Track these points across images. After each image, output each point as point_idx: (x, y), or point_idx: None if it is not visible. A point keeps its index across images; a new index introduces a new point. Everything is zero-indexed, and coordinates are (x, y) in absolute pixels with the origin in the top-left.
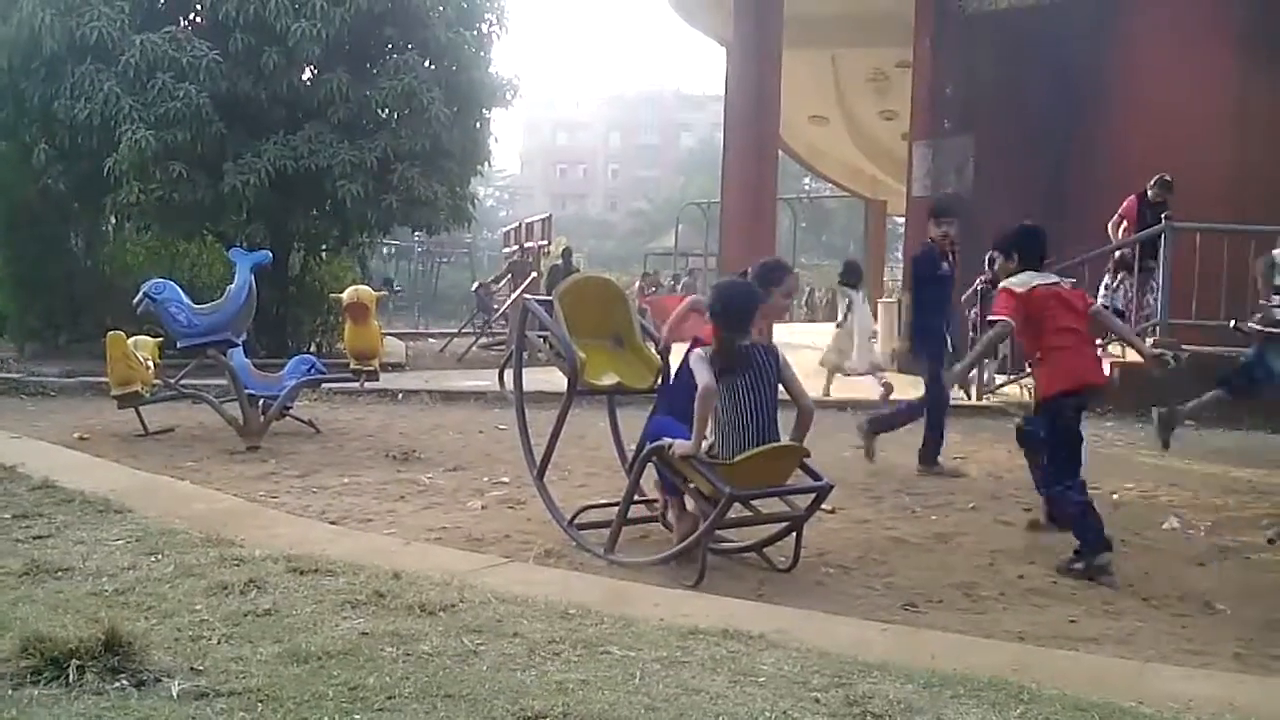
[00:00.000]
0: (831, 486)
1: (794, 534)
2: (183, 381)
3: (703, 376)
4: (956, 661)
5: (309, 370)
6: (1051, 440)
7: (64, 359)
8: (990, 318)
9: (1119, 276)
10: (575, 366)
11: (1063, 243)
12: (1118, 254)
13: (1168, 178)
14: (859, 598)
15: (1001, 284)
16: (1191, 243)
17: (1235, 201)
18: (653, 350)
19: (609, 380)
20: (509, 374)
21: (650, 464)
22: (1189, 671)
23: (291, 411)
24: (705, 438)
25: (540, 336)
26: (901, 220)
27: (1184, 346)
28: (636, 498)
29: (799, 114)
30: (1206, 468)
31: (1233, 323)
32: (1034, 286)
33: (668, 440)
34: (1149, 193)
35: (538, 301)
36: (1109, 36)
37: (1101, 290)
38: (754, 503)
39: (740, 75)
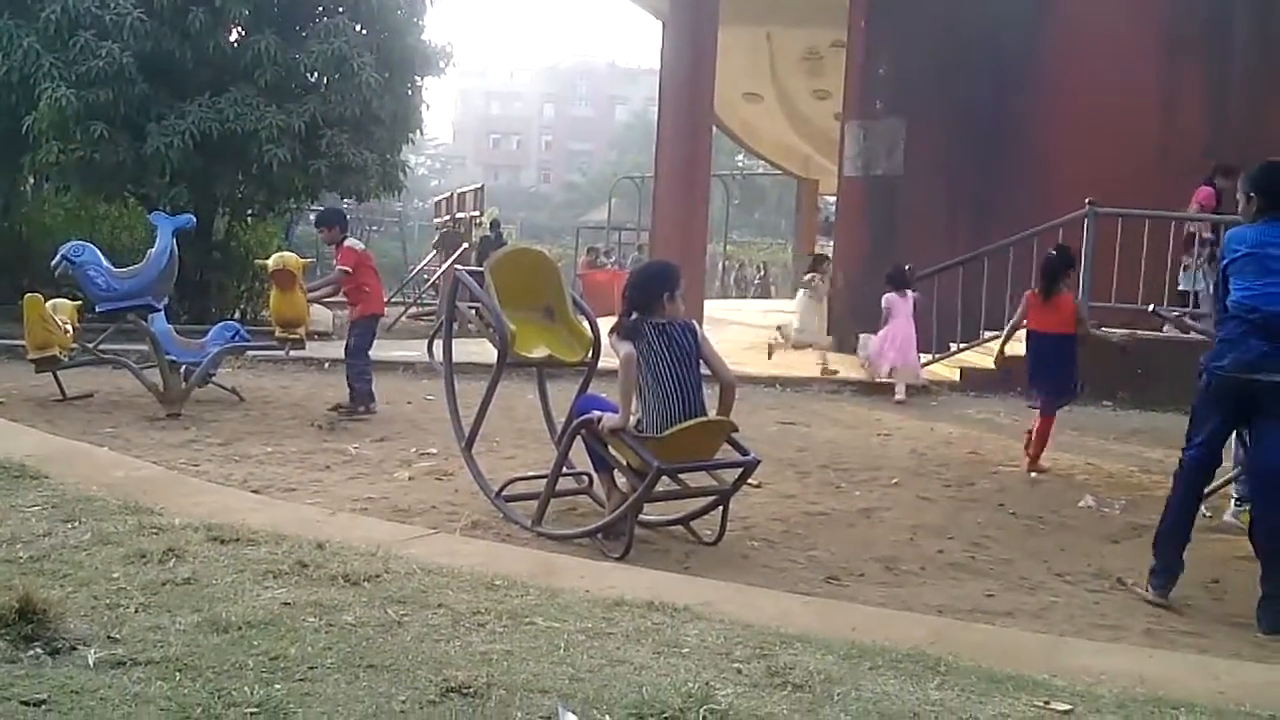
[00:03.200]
0: (758, 461)
1: (720, 508)
2: (102, 346)
3: (622, 347)
4: (876, 634)
5: (233, 337)
6: None
7: None
8: None
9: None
10: (506, 338)
11: (991, 226)
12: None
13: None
14: (783, 571)
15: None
16: (1113, 227)
17: (1159, 188)
18: (584, 324)
19: (540, 353)
20: (438, 345)
21: (579, 438)
22: (1101, 646)
23: (215, 379)
24: (633, 413)
25: (471, 308)
26: (833, 199)
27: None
28: (565, 471)
29: (733, 91)
30: (1122, 447)
31: (1150, 307)
32: None
33: (596, 414)
34: (1216, 181)
35: (468, 273)
36: (1042, 19)
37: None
38: (681, 477)
39: (675, 50)
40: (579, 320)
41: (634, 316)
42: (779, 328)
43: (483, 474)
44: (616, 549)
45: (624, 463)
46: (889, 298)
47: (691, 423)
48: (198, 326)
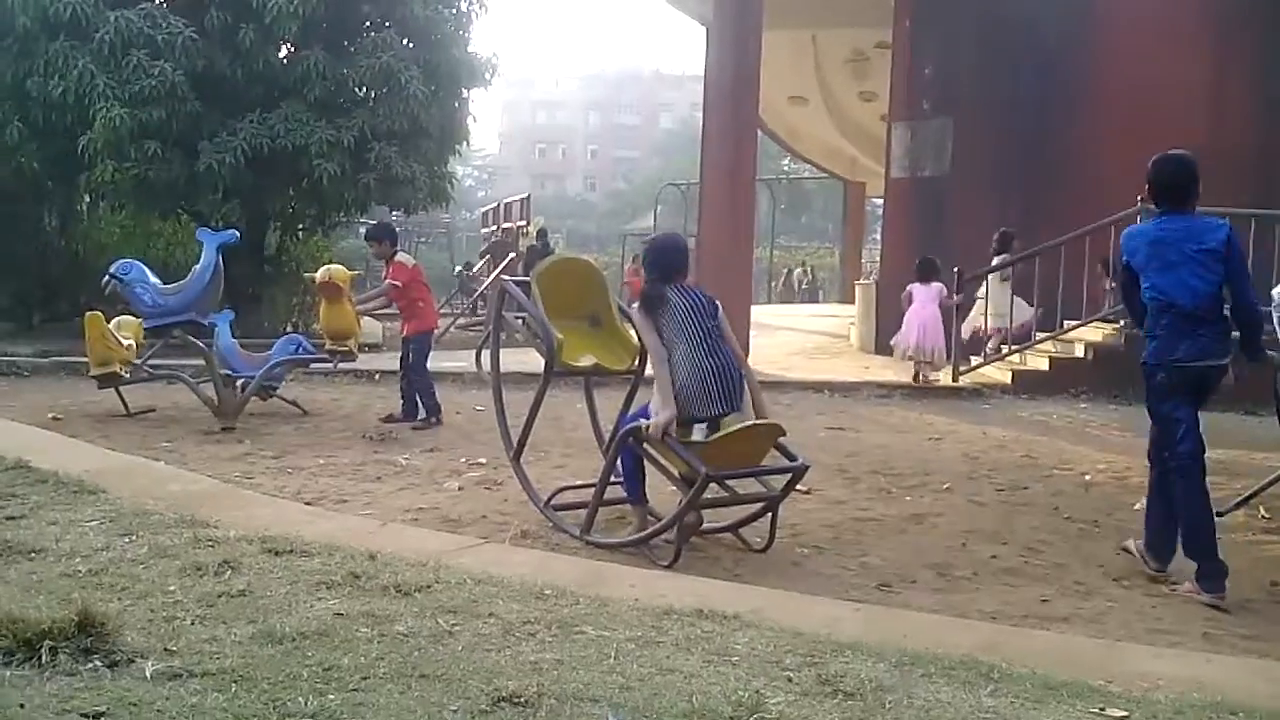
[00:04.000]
0: (807, 467)
1: (769, 514)
2: (160, 362)
3: (648, 338)
4: (929, 641)
5: (296, 350)
6: None
7: (37, 339)
8: None
9: None
10: (552, 348)
11: (1040, 225)
12: None
13: None
14: (833, 578)
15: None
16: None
17: (1212, 184)
18: (630, 332)
19: (586, 361)
20: (486, 355)
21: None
22: (1158, 651)
23: (278, 393)
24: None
25: (518, 318)
26: (880, 201)
27: None
28: (613, 479)
29: (778, 94)
30: None
31: None
32: None
33: (641, 421)
34: None
35: (515, 283)
36: (1088, 17)
37: None
38: (729, 483)
39: (720, 55)
40: (625, 328)
41: (656, 287)
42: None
43: (531, 483)
44: (666, 557)
45: (673, 471)
46: (910, 285)
47: (738, 427)
48: (250, 340)
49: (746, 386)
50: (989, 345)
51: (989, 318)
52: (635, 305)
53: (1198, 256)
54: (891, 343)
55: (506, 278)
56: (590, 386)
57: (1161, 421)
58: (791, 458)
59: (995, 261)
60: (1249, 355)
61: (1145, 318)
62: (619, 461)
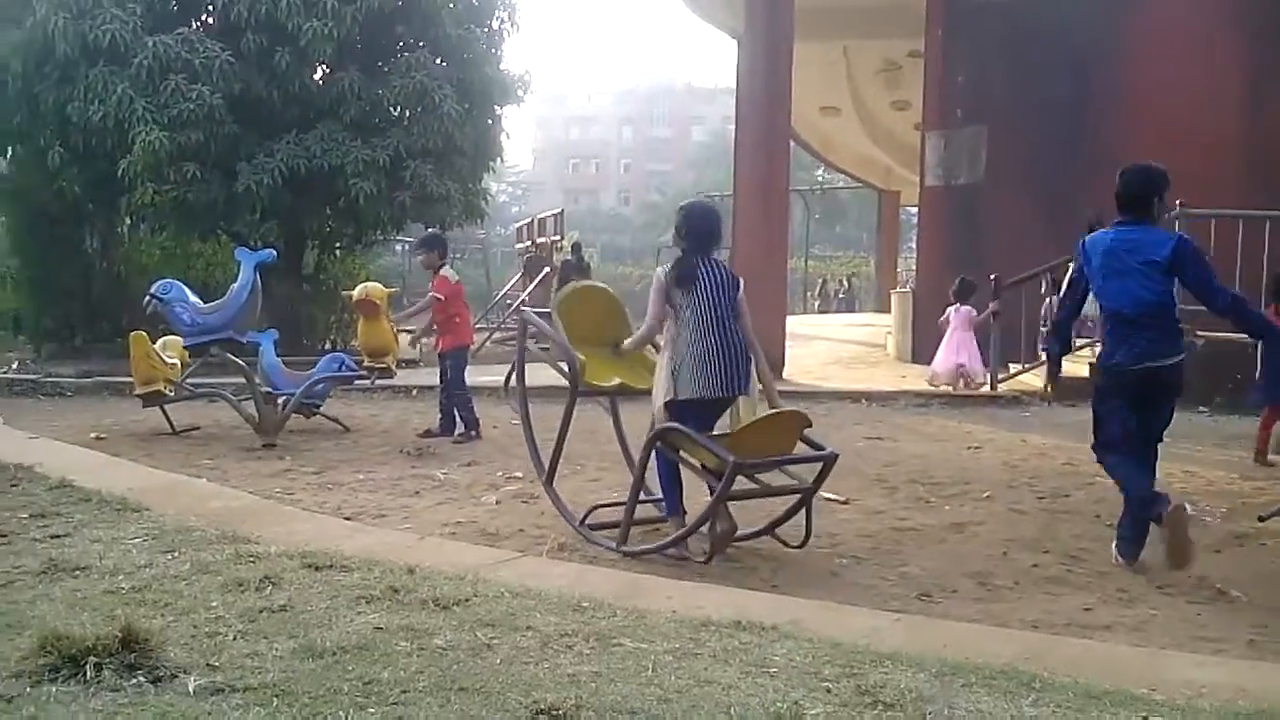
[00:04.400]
0: (836, 455)
1: (804, 510)
2: (204, 380)
3: (651, 308)
4: (969, 651)
5: (339, 368)
6: None
7: (81, 359)
8: None
9: None
10: (576, 369)
11: (1075, 232)
12: None
13: None
14: (872, 588)
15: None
16: (1205, 230)
17: (1246, 188)
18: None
19: (611, 381)
20: (514, 385)
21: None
22: (1202, 659)
23: (321, 410)
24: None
25: (542, 349)
26: (915, 210)
27: (1198, 333)
28: (643, 497)
29: (811, 105)
30: (1220, 454)
31: None
32: None
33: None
34: None
35: (535, 313)
36: (1119, 23)
37: None
38: (760, 477)
39: (751, 68)
40: (647, 350)
41: (692, 258)
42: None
43: (565, 504)
44: (701, 554)
45: (698, 465)
46: (949, 307)
47: (763, 415)
48: (290, 358)
49: (754, 371)
50: None
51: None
52: (662, 271)
53: (1143, 268)
54: (928, 376)
55: (527, 309)
56: (617, 406)
57: (1096, 418)
58: (818, 449)
59: (952, 311)
60: (1256, 336)
61: (1068, 321)
62: (658, 476)
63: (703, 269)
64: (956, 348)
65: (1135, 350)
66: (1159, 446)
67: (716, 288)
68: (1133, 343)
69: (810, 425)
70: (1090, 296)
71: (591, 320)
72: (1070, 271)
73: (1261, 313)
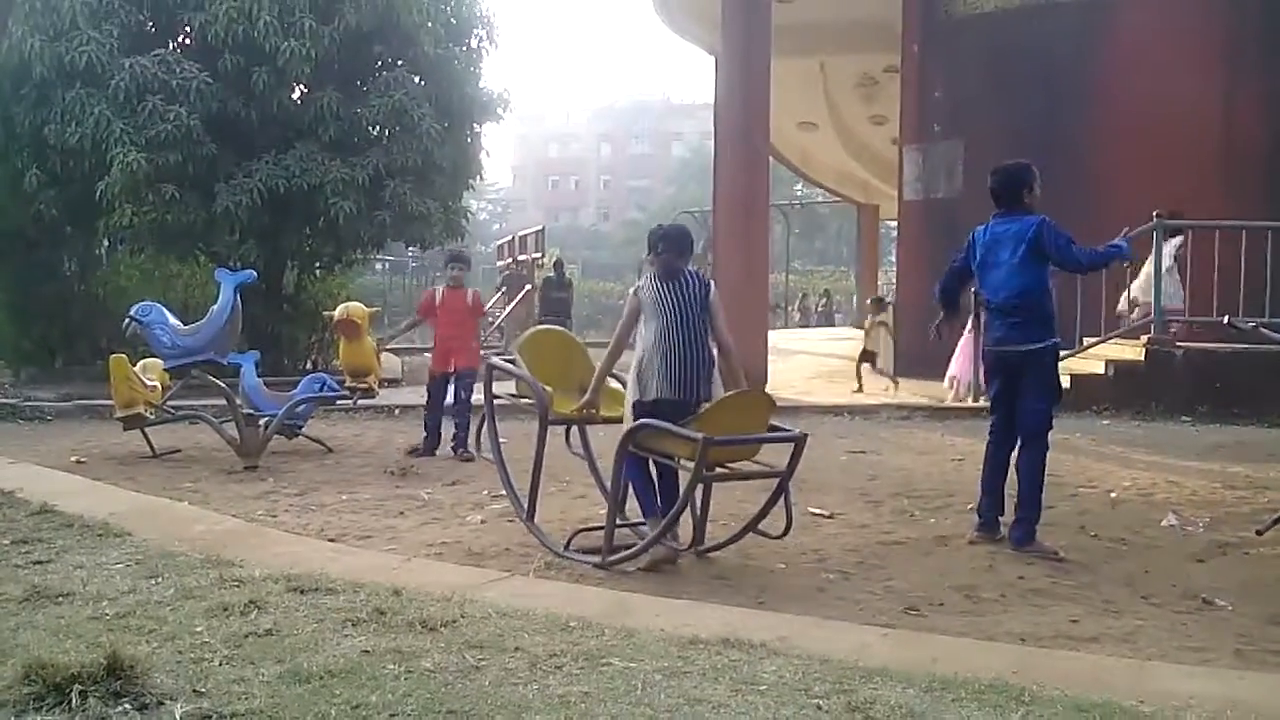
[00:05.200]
0: (806, 436)
1: (783, 501)
2: (185, 402)
3: (625, 318)
4: (958, 665)
5: (321, 388)
6: None
7: (60, 383)
8: None
9: None
10: (543, 399)
11: None
12: None
13: None
14: (859, 603)
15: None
16: (1182, 240)
17: (1221, 201)
18: (616, 385)
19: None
20: (485, 437)
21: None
22: (1190, 669)
23: (304, 431)
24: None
25: (512, 396)
26: (894, 224)
27: (1178, 344)
28: (623, 522)
29: (789, 120)
30: (1203, 464)
31: (1226, 318)
32: None
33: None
34: None
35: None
36: (1095, 38)
37: None
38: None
39: (729, 84)
40: (610, 384)
41: (656, 280)
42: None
43: (546, 536)
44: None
45: (676, 458)
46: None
47: (729, 395)
48: (272, 379)
49: (719, 376)
50: None
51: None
52: (634, 288)
53: (1012, 258)
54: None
55: (494, 359)
56: (586, 435)
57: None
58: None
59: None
60: (1115, 259)
61: (951, 302)
62: (631, 484)
63: (660, 287)
64: (956, 357)
65: (996, 335)
66: (1048, 438)
67: (686, 291)
68: (995, 328)
69: (775, 407)
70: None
71: (556, 363)
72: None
73: (1117, 245)
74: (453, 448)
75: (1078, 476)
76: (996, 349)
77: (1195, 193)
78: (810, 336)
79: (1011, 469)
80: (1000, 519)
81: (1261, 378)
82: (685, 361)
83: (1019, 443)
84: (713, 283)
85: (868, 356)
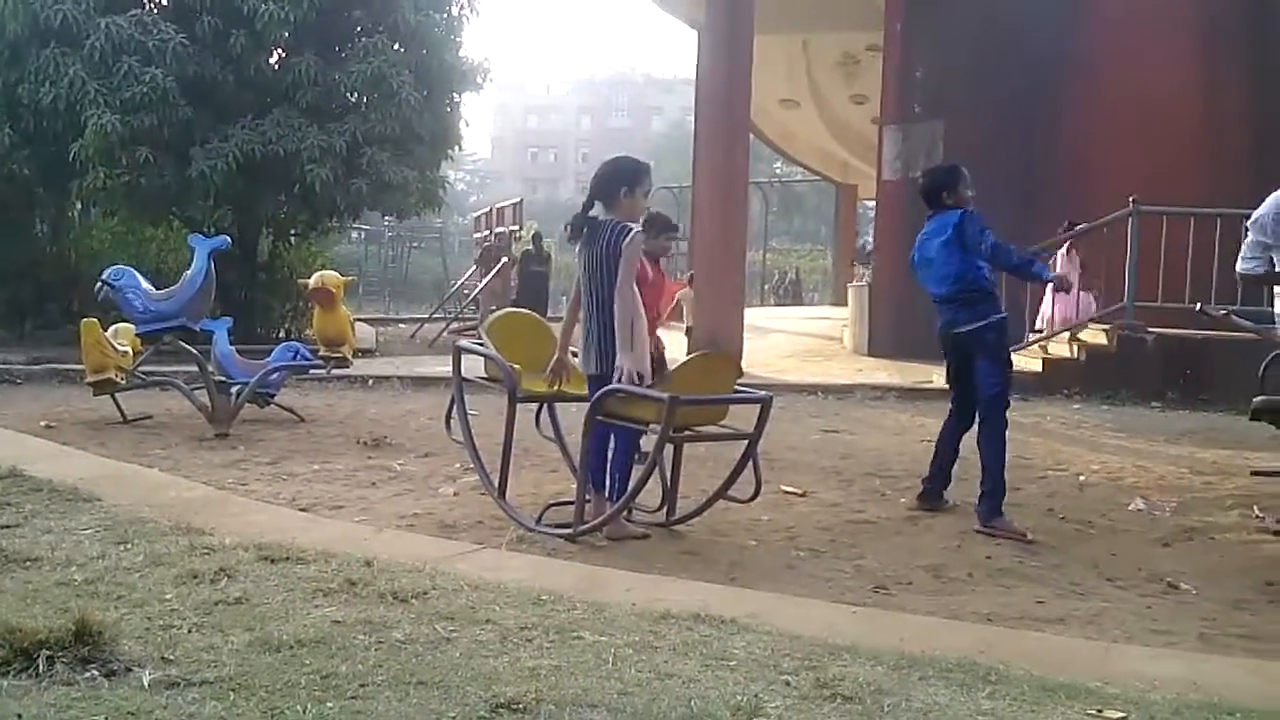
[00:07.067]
0: (771, 398)
1: (751, 464)
2: (157, 368)
3: (632, 284)
4: (925, 643)
5: (294, 357)
6: None
7: (30, 346)
8: None
9: None
10: (511, 376)
11: (1032, 225)
12: None
13: None
14: (829, 580)
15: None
16: (1158, 225)
17: (1202, 184)
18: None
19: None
20: (455, 420)
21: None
22: (1155, 651)
23: (276, 400)
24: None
25: (481, 379)
26: (872, 204)
27: (1149, 329)
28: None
29: (770, 98)
30: (1172, 449)
31: (1198, 305)
32: None
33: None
34: None
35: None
36: (1078, 19)
37: None
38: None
39: (711, 59)
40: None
41: (590, 213)
42: None
43: (517, 511)
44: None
45: (647, 422)
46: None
47: (695, 357)
48: (245, 346)
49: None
50: None
51: None
52: (636, 234)
53: (940, 251)
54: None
55: (461, 341)
56: (555, 413)
57: None
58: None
59: None
60: (1027, 277)
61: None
62: (592, 455)
63: (586, 228)
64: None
65: (943, 320)
66: (1004, 414)
67: (589, 241)
68: (942, 315)
69: (742, 375)
70: None
71: (525, 346)
72: None
73: (1039, 268)
74: None
75: (1047, 459)
76: (944, 333)
77: (1177, 174)
78: (789, 315)
79: (977, 449)
80: (944, 492)
81: (1231, 364)
82: (586, 326)
83: (978, 419)
84: (635, 230)
85: None
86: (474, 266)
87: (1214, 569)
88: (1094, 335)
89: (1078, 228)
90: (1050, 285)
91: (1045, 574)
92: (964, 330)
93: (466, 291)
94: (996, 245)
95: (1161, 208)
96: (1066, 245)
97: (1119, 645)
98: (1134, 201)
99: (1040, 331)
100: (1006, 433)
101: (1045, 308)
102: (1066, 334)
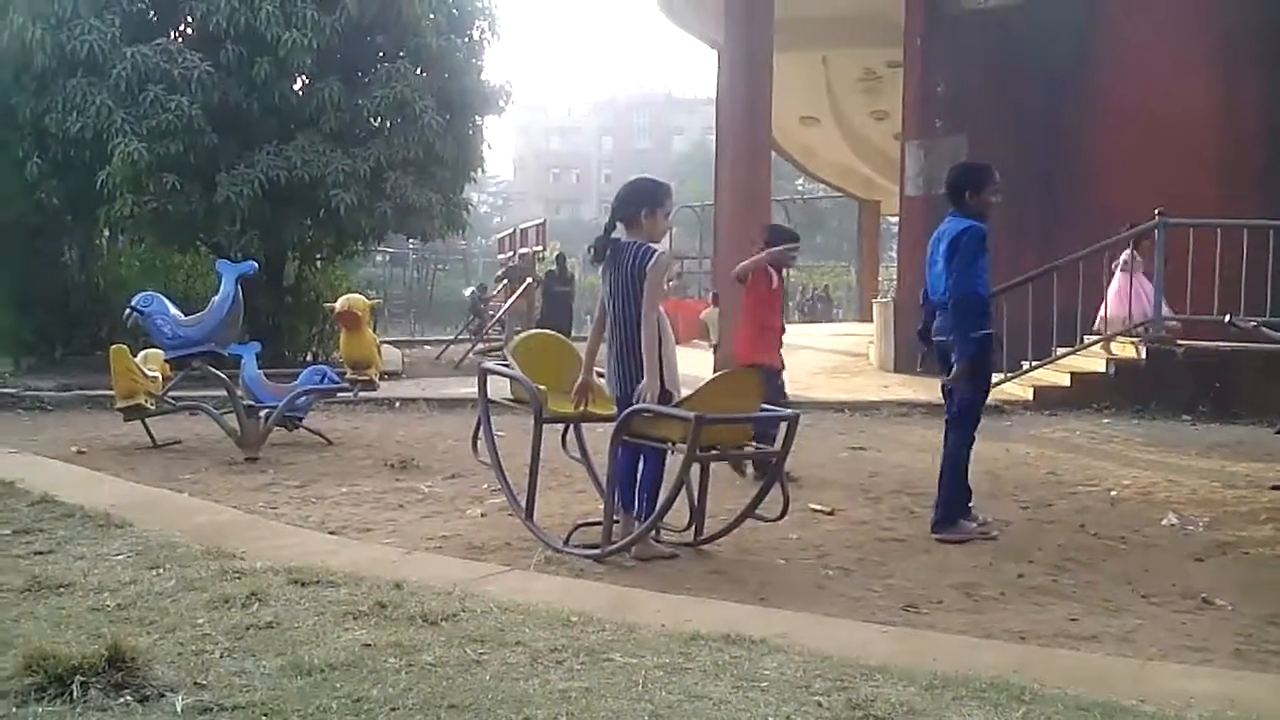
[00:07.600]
0: (799, 415)
1: (779, 484)
2: (186, 393)
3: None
4: (958, 662)
5: (321, 380)
6: None
7: (60, 373)
8: None
9: None
10: (537, 397)
11: (1054, 240)
12: None
13: None
14: (859, 600)
15: None
16: (1185, 238)
17: (1223, 197)
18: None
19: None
20: (482, 442)
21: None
22: (1190, 669)
23: (304, 423)
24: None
25: (507, 400)
26: (895, 220)
27: (1179, 342)
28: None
29: (791, 115)
30: (1204, 463)
31: (1227, 317)
32: None
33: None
34: None
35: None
36: (1097, 31)
37: None
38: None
39: (731, 78)
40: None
41: (612, 235)
42: None
43: (545, 533)
44: (690, 578)
45: (671, 442)
46: None
47: (721, 375)
48: (273, 370)
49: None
50: None
51: None
52: (660, 256)
53: (943, 258)
54: None
55: (486, 364)
56: (581, 433)
57: None
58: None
59: None
60: (957, 328)
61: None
62: (619, 473)
63: (609, 250)
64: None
65: (938, 325)
66: (973, 428)
67: (613, 266)
68: (941, 320)
69: (760, 385)
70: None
71: (549, 367)
72: None
73: (940, 324)
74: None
75: (1078, 475)
76: (936, 338)
77: (1196, 187)
78: (814, 332)
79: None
80: (970, 506)
81: (1262, 377)
82: (614, 351)
83: (945, 428)
84: (661, 251)
85: None
86: (498, 287)
87: (1248, 584)
88: (1123, 348)
89: (1136, 228)
90: (1113, 287)
91: (1078, 591)
92: (949, 339)
93: (491, 313)
94: (969, 275)
95: (1188, 219)
96: (1131, 245)
97: (1154, 662)
98: (1160, 213)
99: (1098, 333)
100: (971, 449)
101: (1114, 305)
102: (1109, 342)
